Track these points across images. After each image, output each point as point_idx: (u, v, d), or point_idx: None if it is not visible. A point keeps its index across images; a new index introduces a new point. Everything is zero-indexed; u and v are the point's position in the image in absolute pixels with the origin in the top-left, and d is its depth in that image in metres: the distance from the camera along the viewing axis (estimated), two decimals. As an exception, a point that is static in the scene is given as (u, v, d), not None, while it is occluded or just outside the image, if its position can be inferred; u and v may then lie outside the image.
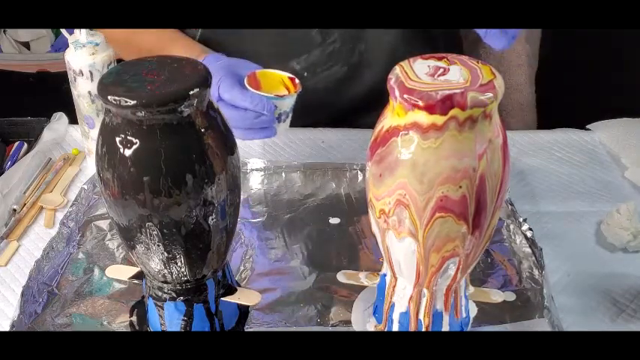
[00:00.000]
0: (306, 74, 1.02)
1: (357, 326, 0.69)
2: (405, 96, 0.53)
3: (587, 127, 1.07)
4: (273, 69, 0.85)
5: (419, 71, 0.56)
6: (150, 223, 0.58)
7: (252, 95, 0.80)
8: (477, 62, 0.56)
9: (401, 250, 0.59)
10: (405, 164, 0.55)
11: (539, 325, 0.70)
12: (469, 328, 0.67)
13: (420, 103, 0.53)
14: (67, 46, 0.89)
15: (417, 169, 0.54)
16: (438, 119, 0.53)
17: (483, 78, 0.55)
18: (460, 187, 0.54)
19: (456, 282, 0.61)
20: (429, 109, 0.53)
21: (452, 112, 0.53)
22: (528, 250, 0.80)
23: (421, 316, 0.63)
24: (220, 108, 0.61)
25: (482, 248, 0.60)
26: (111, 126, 0.56)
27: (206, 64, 0.59)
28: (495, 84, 0.54)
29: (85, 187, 0.89)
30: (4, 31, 1.91)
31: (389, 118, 0.56)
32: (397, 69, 0.57)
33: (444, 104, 0.52)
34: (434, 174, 0.54)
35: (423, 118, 0.53)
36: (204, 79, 0.56)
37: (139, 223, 0.58)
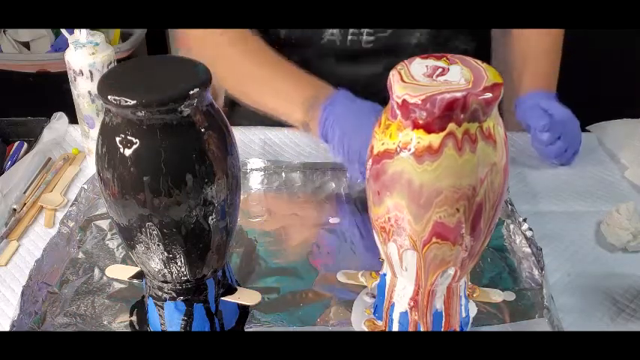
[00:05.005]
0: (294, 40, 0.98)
1: (357, 326, 0.69)
2: (399, 112, 0.51)
3: (587, 127, 1.07)
4: None
5: (416, 72, 0.53)
6: (150, 223, 0.58)
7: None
8: (481, 62, 0.53)
9: (402, 258, 0.59)
10: (402, 185, 0.53)
11: (539, 325, 0.70)
12: (469, 328, 0.67)
13: (417, 121, 0.50)
14: (67, 46, 0.89)
15: (413, 191, 0.53)
16: (434, 140, 0.50)
17: (488, 80, 0.51)
18: (457, 210, 0.53)
19: (456, 281, 0.61)
20: (425, 125, 0.51)
21: (449, 128, 0.50)
22: (528, 250, 0.80)
23: (421, 316, 0.63)
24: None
25: (481, 252, 0.60)
26: (111, 126, 0.56)
27: (335, 103, 0.56)
28: (501, 89, 0.51)
29: (85, 187, 0.89)
30: (4, 31, 1.91)
31: (380, 135, 0.54)
32: (391, 73, 0.54)
33: (441, 120, 0.50)
34: (432, 192, 0.52)
35: (419, 138, 0.51)
36: (205, 79, 0.56)
37: (139, 223, 0.58)
